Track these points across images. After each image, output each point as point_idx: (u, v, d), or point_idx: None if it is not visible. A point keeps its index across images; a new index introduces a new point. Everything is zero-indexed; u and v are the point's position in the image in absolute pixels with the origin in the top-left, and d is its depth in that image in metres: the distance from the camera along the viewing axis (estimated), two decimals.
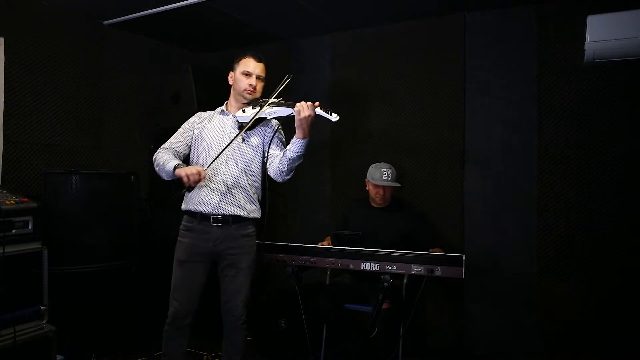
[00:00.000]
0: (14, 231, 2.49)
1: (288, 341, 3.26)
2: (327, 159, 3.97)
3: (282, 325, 3.29)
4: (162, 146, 2.48)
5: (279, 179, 2.39)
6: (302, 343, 2.64)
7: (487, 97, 3.34)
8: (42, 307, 2.60)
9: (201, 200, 2.39)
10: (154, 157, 2.43)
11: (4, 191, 2.66)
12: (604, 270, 2.94)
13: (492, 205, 3.31)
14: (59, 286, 2.80)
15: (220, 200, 2.37)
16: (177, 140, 2.49)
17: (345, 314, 3.02)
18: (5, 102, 3.10)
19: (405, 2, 3.26)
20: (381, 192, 3.13)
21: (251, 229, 2.48)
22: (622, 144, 2.91)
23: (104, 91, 3.72)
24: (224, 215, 2.38)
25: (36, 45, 3.25)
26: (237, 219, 2.41)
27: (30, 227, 2.58)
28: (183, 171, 2.24)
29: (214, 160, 2.32)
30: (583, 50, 2.81)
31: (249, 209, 2.43)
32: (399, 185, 3.17)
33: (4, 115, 3.10)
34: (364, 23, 3.71)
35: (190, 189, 2.29)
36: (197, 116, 2.58)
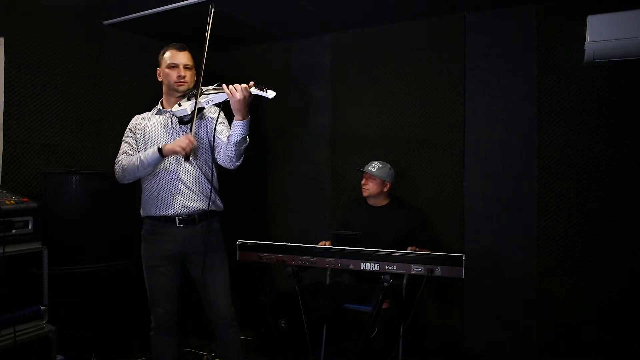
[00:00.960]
0: (14, 231, 2.49)
1: (288, 341, 3.26)
2: (327, 159, 3.97)
3: (282, 325, 3.29)
4: (116, 160, 2.43)
5: (230, 166, 2.33)
6: (302, 343, 2.63)
7: (487, 97, 3.34)
8: (42, 307, 2.59)
9: (161, 203, 2.35)
10: (117, 170, 2.39)
11: (4, 191, 2.66)
12: (604, 270, 2.94)
13: (492, 205, 3.31)
14: (59, 286, 2.80)
15: (182, 199, 2.34)
16: (129, 148, 2.44)
17: (345, 314, 3.02)
18: (5, 102, 3.10)
19: (405, 2, 3.26)
20: (364, 180, 3.19)
21: (216, 225, 2.46)
22: (622, 144, 2.91)
23: (104, 91, 3.72)
24: (189, 215, 2.36)
25: (36, 45, 3.25)
26: (202, 215, 2.37)
27: (30, 227, 2.58)
28: (175, 145, 2.19)
29: (191, 128, 2.25)
30: (583, 50, 2.81)
31: (212, 200, 2.38)
32: (383, 178, 3.15)
33: (4, 115, 3.09)
34: (364, 23, 3.71)
35: (188, 157, 2.22)
36: (134, 120, 2.53)
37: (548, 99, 3.13)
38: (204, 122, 2.41)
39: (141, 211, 2.46)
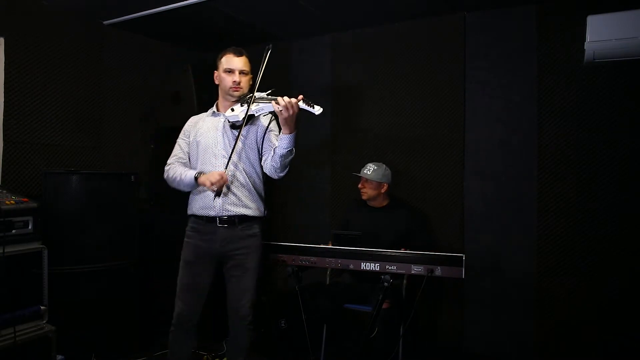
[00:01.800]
0: (14, 231, 2.49)
1: (288, 341, 3.26)
2: (327, 159, 3.97)
3: (282, 325, 3.30)
4: (167, 162, 2.50)
5: (275, 176, 2.38)
6: (302, 343, 2.64)
7: (487, 97, 3.34)
8: (42, 307, 2.59)
9: (205, 205, 2.39)
10: (165, 176, 2.48)
11: (4, 191, 2.66)
12: (604, 270, 2.94)
13: (492, 205, 3.31)
14: (59, 286, 2.79)
15: (224, 202, 2.37)
16: (179, 151, 2.52)
17: (345, 314, 3.02)
18: (5, 102, 3.10)
19: (405, 2, 3.26)
20: (360, 185, 3.20)
21: (257, 229, 2.47)
22: (622, 144, 2.91)
23: (104, 91, 3.72)
24: (229, 217, 2.38)
25: (36, 45, 3.25)
26: (242, 218, 2.40)
27: (30, 227, 2.58)
28: (206, 179, 2.25)
29: (228, 162, 2.30)
30: (583, 50, 2.80)
31: (253, 207, 2.42)
32: (379, 180, 3.15)
33: (4, 115, 3.10)
34: (364, 23, 3.71)
35: (219, 193, 2.28)
36: (190, 121, 2.59)
37: (548, 99, 3.13)
38: (253, 128, 2.44)
39: (187, 209, 2.50)
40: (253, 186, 2.43)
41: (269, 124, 2.41)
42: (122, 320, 3.15)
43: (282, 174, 2.36)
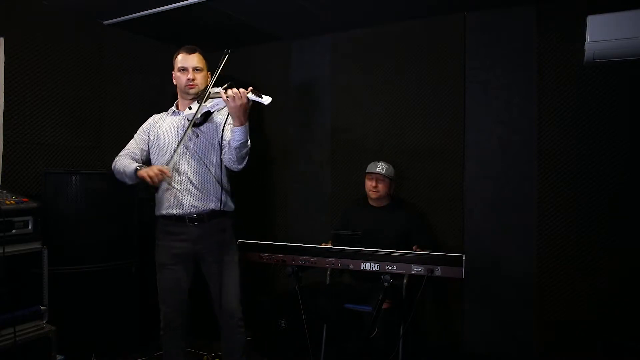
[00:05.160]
0: (14, 231, 2.49)
1: (288, 341, 3.26)
2: (327, 159, 3.97)
3: (282, 325, 3.29)
4: (119, 154, 2.49)
5: (234, 168, 2.37)
6: (302, 343, 2.63)
7: (487, 97, 3.34)
8: (42, 307, 2.59)
9: (172, 204, 2.38)
10: (112, 166, 2.45)
11: (4, 191, 2.66)
12: (604, 270, 2.94)
13: (492, 205, 3.31)
14: (59, 286, 2.80)
15: (190, 199, 2.37)
16: (133, 146, 2.52)
17: (345, 314, 3.01)
18: (5, 102, 3.10)
19: (405, 2, 3.26)
20: (374, 183, 3.15)
21: (228, 223, 2.48)
22: (622, 144, 2.91)
23: (104, 91, 3.72)
24: (198, 214, 2.38)
25: (36, 45, 3.25)
26: (211, 214, 2.40)
27: (30, 227, 2.58)
28: (145, 172, 2.25)
29: (172, 157, 2.31)
30: (583, 50, 2.80)
31: (220, 201, 2.41)
32: (392, 178, 3.17)
33: (4, 115, 3.09)
34: (364, 23, 3.71)
35: (157, 188, 2.30)
36: (151, 120, 2.58)
37: (548, 99, 3.13)
38: (212, 125, 2.43)
39: (155, 210, 2.49)
40: (217, 181, 2.41)
41: (226, 119, 2.38)
42: (122, 320, 3.16)
43: (240, 166, 2.35)
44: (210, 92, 2.30)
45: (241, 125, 2.19)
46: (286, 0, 3.23)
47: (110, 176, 3.22)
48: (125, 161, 2.41)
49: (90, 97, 3.61)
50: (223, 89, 2.21)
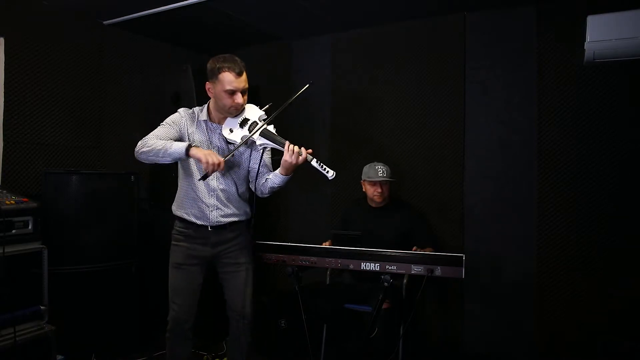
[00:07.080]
0: (14, 231, 2.49)
1: (288, 341, 3.25)
2: (327, 159, 3.96)
3: (282, 325, 3.29)
4: (145, 137, 2.25)
5: (259, 195, 2.45)
6: (302, 343, 2.63)
7: (487, 97, 3.34)
8: (42, 307, 2.60)
9: (197, 215, 2.38)
10: (140, 145, 2.21)
11: (4, 191, 2.66)
12: (604, 270, 2.94)
13: (492, 205, 3.31)
14: (59, 286, 2.80)
15: (217, 214, 2.38)
16: (164, 135, 2.27)
17: (345, 314, 3.01)
18: (5, 102, 3.10)
19: (405, 2, 3.26)
20: (379, 189, 3.12)
21: (244, 227, 2.50)
22: (622, 144, 2.91)
23: (104, 91, 3.72)
24: (220, 224, 2.41)
25: (36, 45, 3.25)
26: (232, 223, 2.44)
27: (30, 227, 2.58)
28: (203, 155, 2.11)
29: (231, 154, 2.28)
30: (583, 50, 2.80)
31: (242, 212, 2.47)
32: (394, 179, 3.17)
33: (4, 115, 3.10)
34: (364, 23, 3.71)
35: (205, 176, 2.17)
36: (179, 116, 2.39)
37: (548, 99, 3.13)
38: (248, 151, 2.43)
39: (174, 208, 2.45)
40: (242, 196, 2.48)
41: (263, 152, 2.40)
42: (122, 320, 3.16)
43: (267, 196, 2.45)
44: (267, 129, 2.25)
45: (287, 175, 2.29)
46: (286, 0, 3.23)
47: (111, 176, 3.25)
48: (161, 141, 2.20)
49: (90, 97, 3.61)
50: (278, 136, 2.23)
